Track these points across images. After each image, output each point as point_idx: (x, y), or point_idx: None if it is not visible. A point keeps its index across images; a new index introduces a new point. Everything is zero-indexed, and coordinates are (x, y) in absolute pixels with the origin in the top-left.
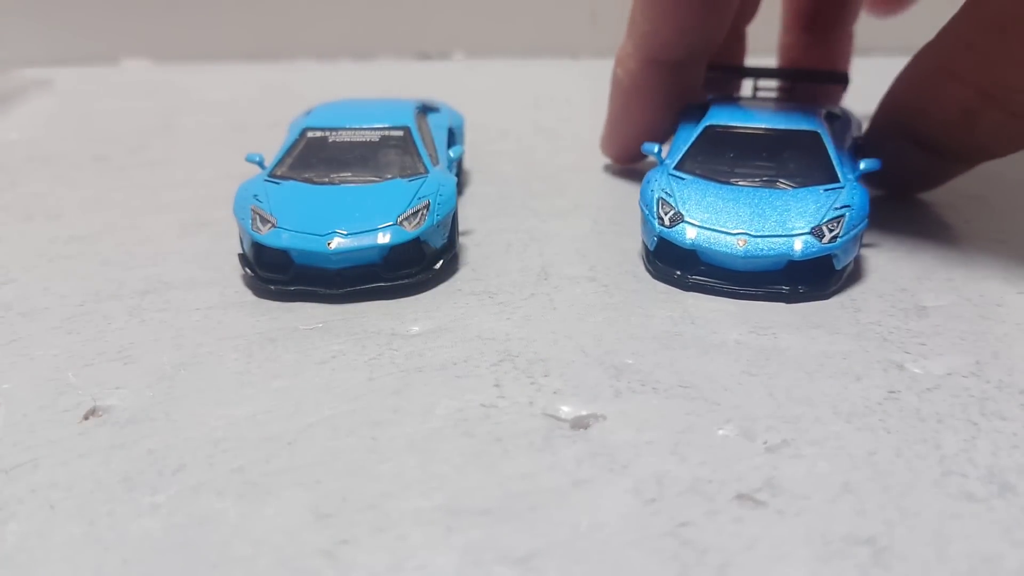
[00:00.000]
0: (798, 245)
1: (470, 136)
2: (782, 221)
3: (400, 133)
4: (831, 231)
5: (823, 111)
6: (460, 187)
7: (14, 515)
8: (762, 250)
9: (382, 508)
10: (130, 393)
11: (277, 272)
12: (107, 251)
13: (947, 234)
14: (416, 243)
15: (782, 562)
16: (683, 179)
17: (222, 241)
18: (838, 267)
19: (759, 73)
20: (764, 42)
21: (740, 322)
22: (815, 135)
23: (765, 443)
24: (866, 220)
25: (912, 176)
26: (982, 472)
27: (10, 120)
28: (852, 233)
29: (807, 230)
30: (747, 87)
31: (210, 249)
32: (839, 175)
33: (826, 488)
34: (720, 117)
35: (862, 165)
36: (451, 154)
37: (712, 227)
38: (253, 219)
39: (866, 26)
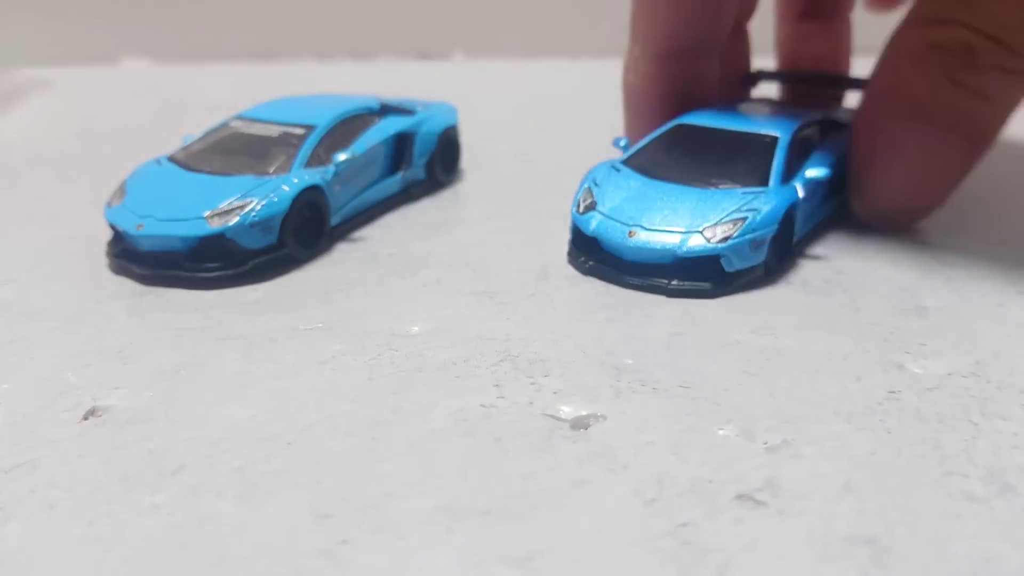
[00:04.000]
0: (684, 242)
1: (470, 136)
2: (682, 218)
3: (300, 132)
4: (724, 233)
5: (820, 117)
6: (459, 187)
7: (14, 515)
8: (649, 243)
9: (382, 508)
10: (130, 393)
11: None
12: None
13: (947, 234)
14: (221, 239)
15: (782, 562)
16: (619, 171)
17: None
18: (728, 269)
19: (804, 78)
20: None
21: (740, 322)
22: (773, 140)
23: (765, 443)
24: (774, 227)
25: (917, 167)
26: (982, 472)
27: (10, 120)
28: (748, 237)
29: (699, 229)
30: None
31: None
32: (770, 180)
33: (826, 488)
34: (695, 116)
35: (808, 172)
36: (338, 157)
37: (613, 217)
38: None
39: (871, 24)
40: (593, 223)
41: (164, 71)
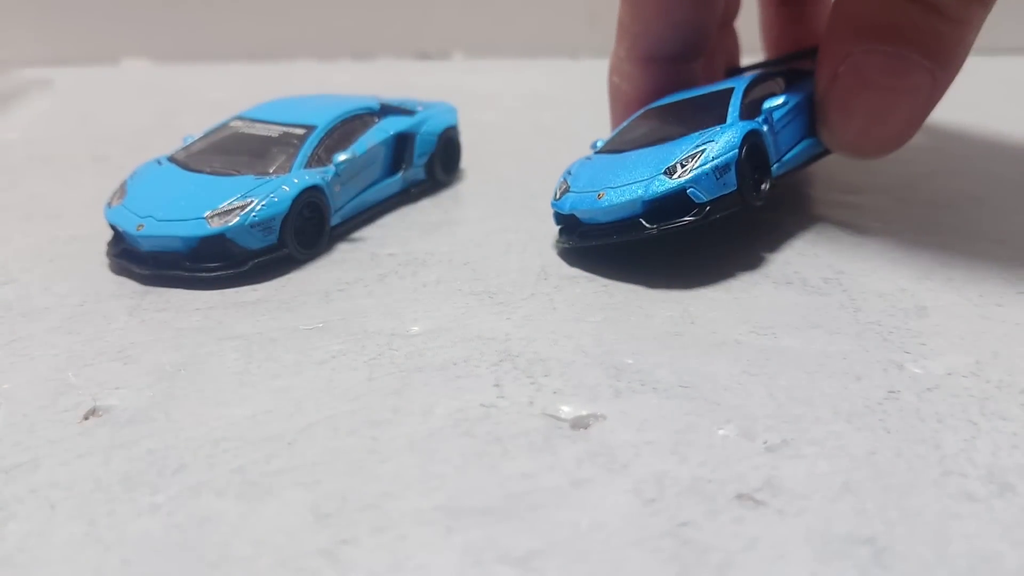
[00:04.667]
0: (647, 186)
1: (470, 136)
2: (646, 170)
3: (300, 132)
4: (683, 166)
5: (784, 68)
6: (459, 187)
7: (14, 515)
8: (617, 198)
9: (382, 508)
10: (130, 393)
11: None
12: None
13: (947, 234)
14: (222, 239)
15: (782, 562)
16: (591, 160)
17: None
18: (697, 200)
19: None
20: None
21: (740, 322)
22: (730, 90)
23: (765, 443)
24: (734, 152)
25: (881, 91)
26: (982, 472)
27: (10, 120)
28: (709, 165)
29: (660, 171)
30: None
31: None
32: (727, 118)
33: (826, 488)
34: (662, 99)
35: (766, 105)
36: (338, 157)
37: (583, 190)
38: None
39: None
40: (568, 203)
41: (164, 71)
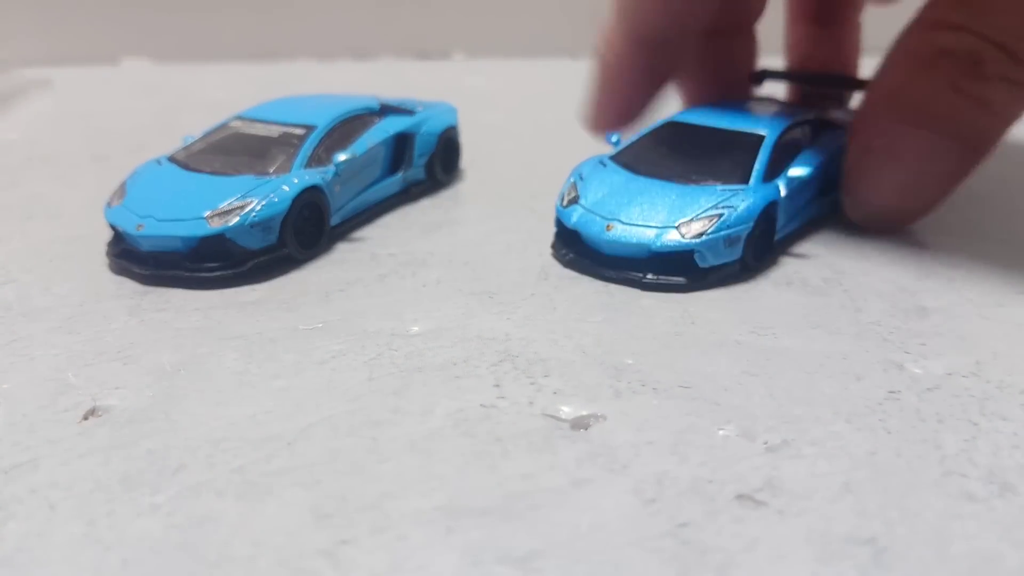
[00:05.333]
0: (659, 236)
1: (470, 136)
2: (659, 213)
3: (300, 132)
4: (698, 229)
5: (813, 116)
6: (459, 187)
7: (14, 515)
8: (625, 237)
9: (382, 508)
10: (130, 393)
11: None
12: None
13: (947, 234)
14: (221, 239)
15: (782, 562)
16: (605, 167)
17: None
18: (701, 264)
19: (811, 78)
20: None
21: (740, 322)
22: (759, 138)
23: (765, 443)
24: (750, 224)
25: (913, 171)
26: (982, 472)
27: (10, 120)
28: (723, 233)
29: (674, 224)
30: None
31: None
32: (751, 177)
33: (826, 488)
34: (687, 114)
35: (792, 171)
36: (338, 157)
37: (594, 210)
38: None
39: (875, 24)
40: (575, 216)
41: (164, 71)
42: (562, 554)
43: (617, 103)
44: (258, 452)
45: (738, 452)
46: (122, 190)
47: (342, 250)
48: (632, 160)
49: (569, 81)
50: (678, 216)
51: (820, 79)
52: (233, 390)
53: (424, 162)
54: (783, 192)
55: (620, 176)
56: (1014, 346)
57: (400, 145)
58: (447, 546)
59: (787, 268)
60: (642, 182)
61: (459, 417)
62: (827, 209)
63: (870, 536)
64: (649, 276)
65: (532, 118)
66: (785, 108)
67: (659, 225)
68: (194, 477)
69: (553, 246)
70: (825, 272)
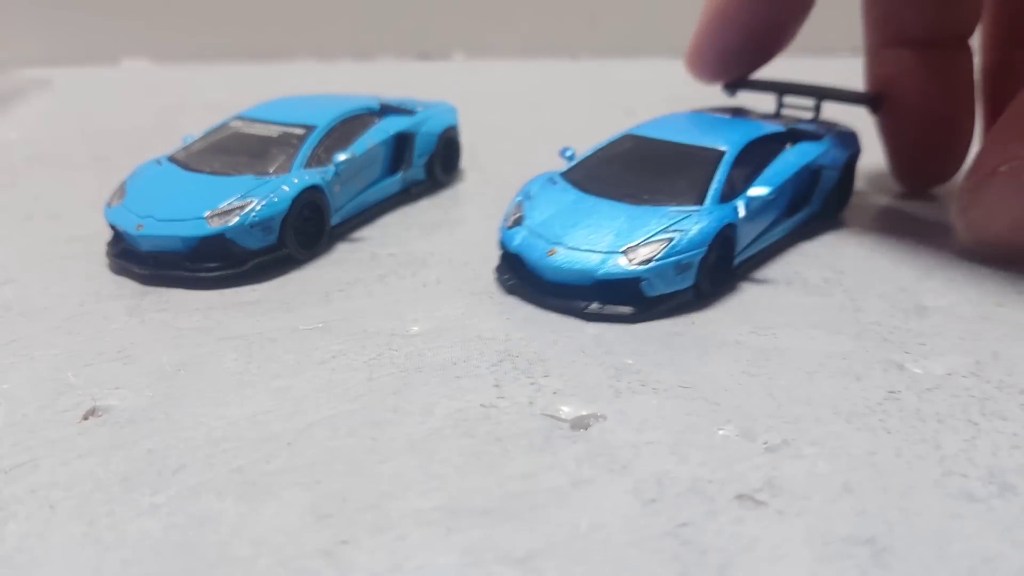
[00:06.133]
0: (603, 263)
1: (470, 136)
2: (606, 237)
3: (300, 132)
4: (646, 254)
5: (784, 129)
6: (459, 187)
7: (14, 515)
8: (567, 262)
9: (382, 508)
10: (130, 393)
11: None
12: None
13: (947, 234)
14: (221, 239)
15: (782, 562)
16: (555, 184)
17: None
18: (650, 293)
19: (785, 88)
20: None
21: (740, 322)
22: (719, 154)
23: (765, 443)
24: (702, 249)
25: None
26: (982, 472)
27: (10, 120)
28: (672, 260)
29: (620, 249)
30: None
31: None
32: (706, 198)
33: (826, 488)
34: (646, 127)
35: (752, 191)
36: (338, 157)
37: (538, 233)
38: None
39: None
40: (517, 239)
41: (164, 71)
42: (562, 554)
43: (720, 46)
44: (258, 452)
45: (738, 452)
46: (122, 190)
47: (342, 250)
48: (583, 177)
49: (569, 81)
50: (625, 240)
51: (795, 89)
52: (233, 390)
53: (424, 162)
54: (742, 213)
55: (569, 195)
56: (1014, 346)
57: (400, 145)
58: (447, 546)
59: (787, 268)
60: (591, 202)
61: (459, 417)
62: (803, 226)
63: (870, 536)
64: (593, 306)
65: (532, 118)
66: (755, 120)
67: (604, 250)
68: (194, 477)
69: (496, 269)
70: (825, 272)
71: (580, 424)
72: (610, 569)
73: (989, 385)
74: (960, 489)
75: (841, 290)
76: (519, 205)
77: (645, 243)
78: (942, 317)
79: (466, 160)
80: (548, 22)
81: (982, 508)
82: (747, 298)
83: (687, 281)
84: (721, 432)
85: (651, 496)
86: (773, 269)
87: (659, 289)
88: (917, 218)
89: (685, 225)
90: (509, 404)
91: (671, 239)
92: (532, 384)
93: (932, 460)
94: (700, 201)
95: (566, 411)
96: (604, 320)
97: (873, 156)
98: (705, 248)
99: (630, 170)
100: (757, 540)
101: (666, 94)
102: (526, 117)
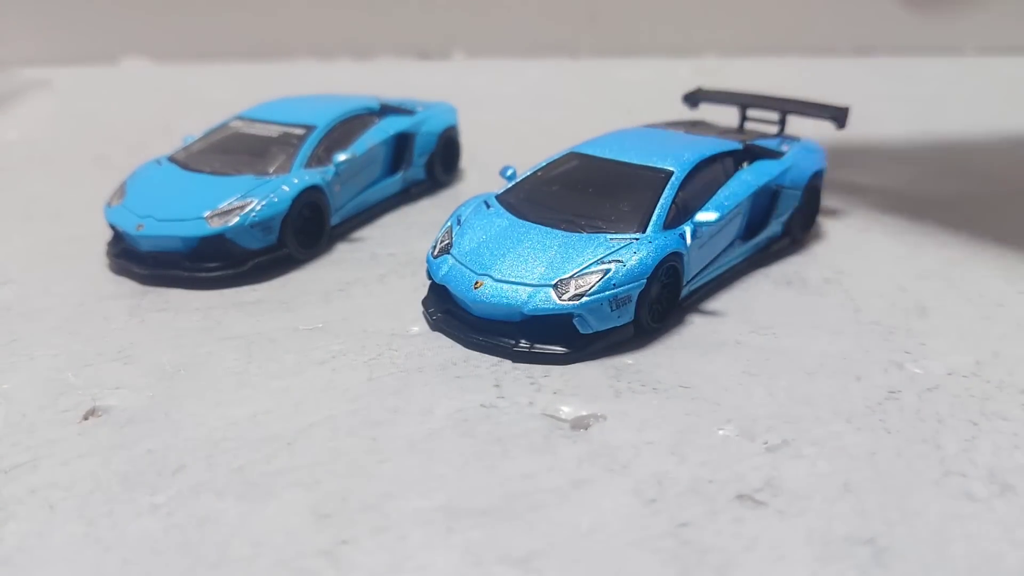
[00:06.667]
0: (531, 297)
1: (470, 136)
2: (536, 269)
3: (300, 132)
4: (578, 288)
5: (741, 146)
6: (459, 187)
7: (14, 515)
8: (494, 296)
9: (382, 508)
10: (130, 393)
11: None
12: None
13: (947, 234)
14: (221, 239)
15: (782, 562)
16: (489, 208)
17: None
18: (582, 331)
19: (748, 101)
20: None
21: (740, 322)
22: (667, 175)
23: (765, 443)
24: (641, 282)
25: None
26: (982, 472)
27: (10, 120)
28: (607, 294)
29: (551, 282)
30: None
31: None
32: (649, 224)
33: (826, 488)
34: (592, 144)
35: (700, 215)
36: (338, 157)
37: (465, 263)
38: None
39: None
40: (444, 268)
41: (164, 71)
42: (562, 554)
43: None
44: (258, 452)
45: (738, 452)
46: (122, 190)
47: (342, 250)
48: (519, 200)
49: (569, 81)
50: (557, 272)
51: (759, 102)
52: (233, 390)
53: (424, 162)
54: (689, 240)
55: (502, 220)
56: (1014, 346)
57: (400, 145)
58: (447, 546)
59: (787, 268)
60: (524, 228)
61: (459, 417)
62: (765, 249)
63: (870, 536)
64: (522, 344)
65: (532, 118)
66: (710, 136)
67: (534, 283)
68: (194, 477)
69: (424, 301)
70: (825, 272)
71: (580, 424)
72: (610, 569)
73: (989, 385)
74: (960, 489)
75: (841, 290)
76: (448, 231)
77: (578, 275)
78: (942, 317)
79: (466, 160)
80: (548, 22)
81: (982, 508)
82: (747, 298)
83: (626, 317)
84: (721, 432)
85: (651, 496)
86: (773, 269)
87: (594, 326)
88: (917, 218)
89: (623, 255)
90: (509, 404)
91: (606, 271)
92: (532, 384)
93: (932, 460)
94: (642, 228)
95: (566, 411)
96: (533, 361)
97: (873, 156)
98: (644, 280)
99: (571, 192)
100: (757, 540)
101: (666, 94)
102: (526, 117)
